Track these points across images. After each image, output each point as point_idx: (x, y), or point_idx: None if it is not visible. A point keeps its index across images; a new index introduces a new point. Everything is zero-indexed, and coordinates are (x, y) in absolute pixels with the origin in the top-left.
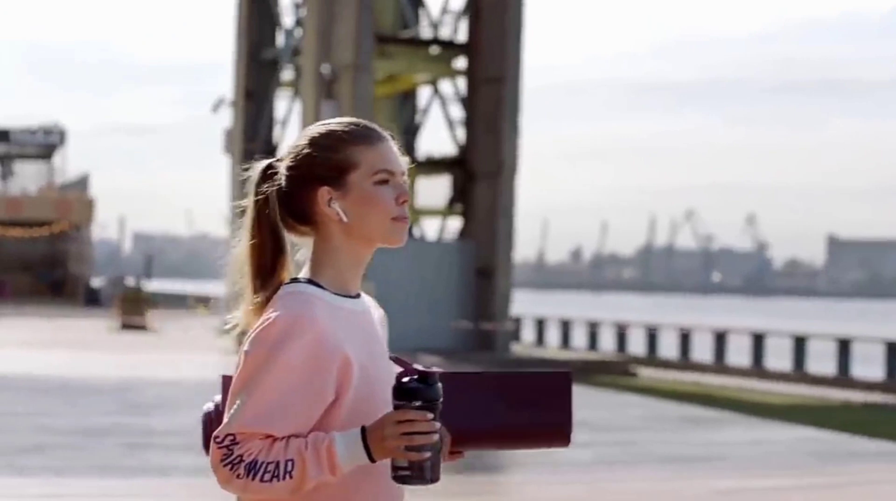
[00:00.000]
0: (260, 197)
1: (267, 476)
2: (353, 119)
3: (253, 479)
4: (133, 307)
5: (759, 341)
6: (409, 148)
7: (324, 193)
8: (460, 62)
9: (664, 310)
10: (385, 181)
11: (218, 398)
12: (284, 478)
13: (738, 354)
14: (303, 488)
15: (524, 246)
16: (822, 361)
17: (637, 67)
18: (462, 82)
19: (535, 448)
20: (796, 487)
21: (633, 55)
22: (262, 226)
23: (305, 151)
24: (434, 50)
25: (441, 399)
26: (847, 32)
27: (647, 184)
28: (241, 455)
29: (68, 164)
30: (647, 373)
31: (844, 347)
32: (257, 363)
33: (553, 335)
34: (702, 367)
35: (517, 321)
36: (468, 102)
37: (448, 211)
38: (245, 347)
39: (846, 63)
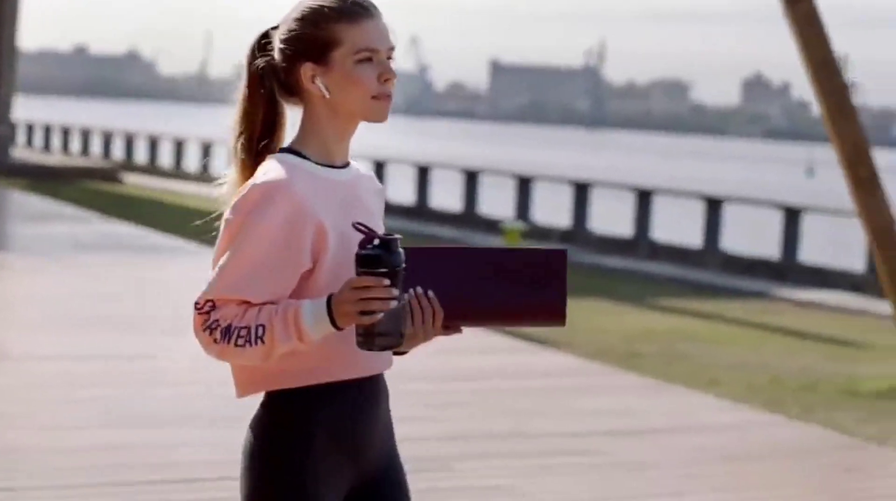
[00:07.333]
0: (253, 67)
1: (240, 341)
2: None
3: (228, 343)
4: None
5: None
6: None
7: (307, 69)
8: None
9: None
10: (368, 59)
11: None
12: (256, 343)
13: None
14: (273, 354)
15: (185, 62)
16: None
17: None
18: None
19: (530, 326)
20: None
21: None
22: (253, 95)
23: (294, 26)
24: None
25: (403, 266)
26: None
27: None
28: (217, 320)
29: None
30: (141, 181)
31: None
32: (234, 230)
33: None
34: (193, 176)
35: (13, 126)
36: None
37: None
38: (226, 214)
39: None
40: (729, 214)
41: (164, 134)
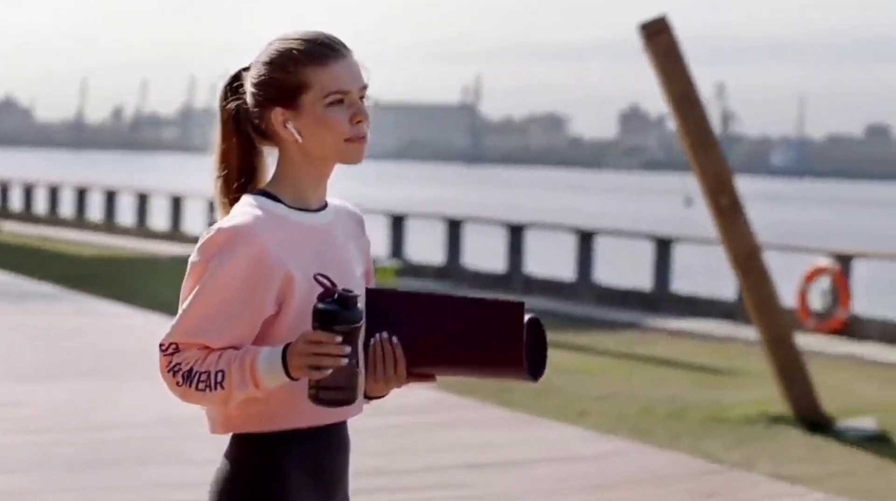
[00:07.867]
0: (225, 110)
1: (201, 386)
2: (313, 34)
3: (190, 386)
4: None
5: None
6: None
7: (278, 114)
8: None
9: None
10: (339, 101)
11: None
12: (216, 389)
13: (125, 213)
14: (231, 399)
15: (61, 107)
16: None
17: None
18: None
19: (496, 378)
20: None
21: None
22: (227, 137)
23: (263, 70)
24: None
25: (359, 324)
26: None
27: (188, 42)
28: (179, 364)
29: None
30: (16, 228)
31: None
32: (198, 273)
33: None
34: (68, 222)
35: None
36: None
37: None
38: (192, 256)
39: None
40: (602, 246)
41: (40, 181)
